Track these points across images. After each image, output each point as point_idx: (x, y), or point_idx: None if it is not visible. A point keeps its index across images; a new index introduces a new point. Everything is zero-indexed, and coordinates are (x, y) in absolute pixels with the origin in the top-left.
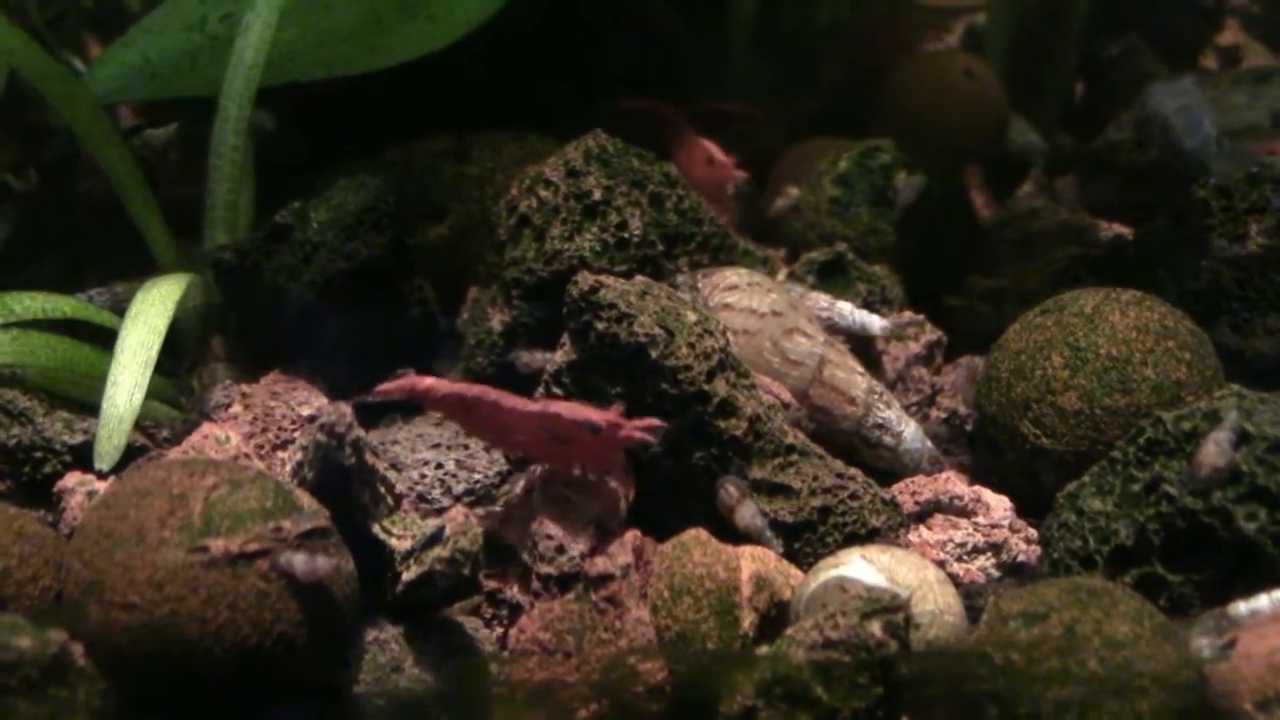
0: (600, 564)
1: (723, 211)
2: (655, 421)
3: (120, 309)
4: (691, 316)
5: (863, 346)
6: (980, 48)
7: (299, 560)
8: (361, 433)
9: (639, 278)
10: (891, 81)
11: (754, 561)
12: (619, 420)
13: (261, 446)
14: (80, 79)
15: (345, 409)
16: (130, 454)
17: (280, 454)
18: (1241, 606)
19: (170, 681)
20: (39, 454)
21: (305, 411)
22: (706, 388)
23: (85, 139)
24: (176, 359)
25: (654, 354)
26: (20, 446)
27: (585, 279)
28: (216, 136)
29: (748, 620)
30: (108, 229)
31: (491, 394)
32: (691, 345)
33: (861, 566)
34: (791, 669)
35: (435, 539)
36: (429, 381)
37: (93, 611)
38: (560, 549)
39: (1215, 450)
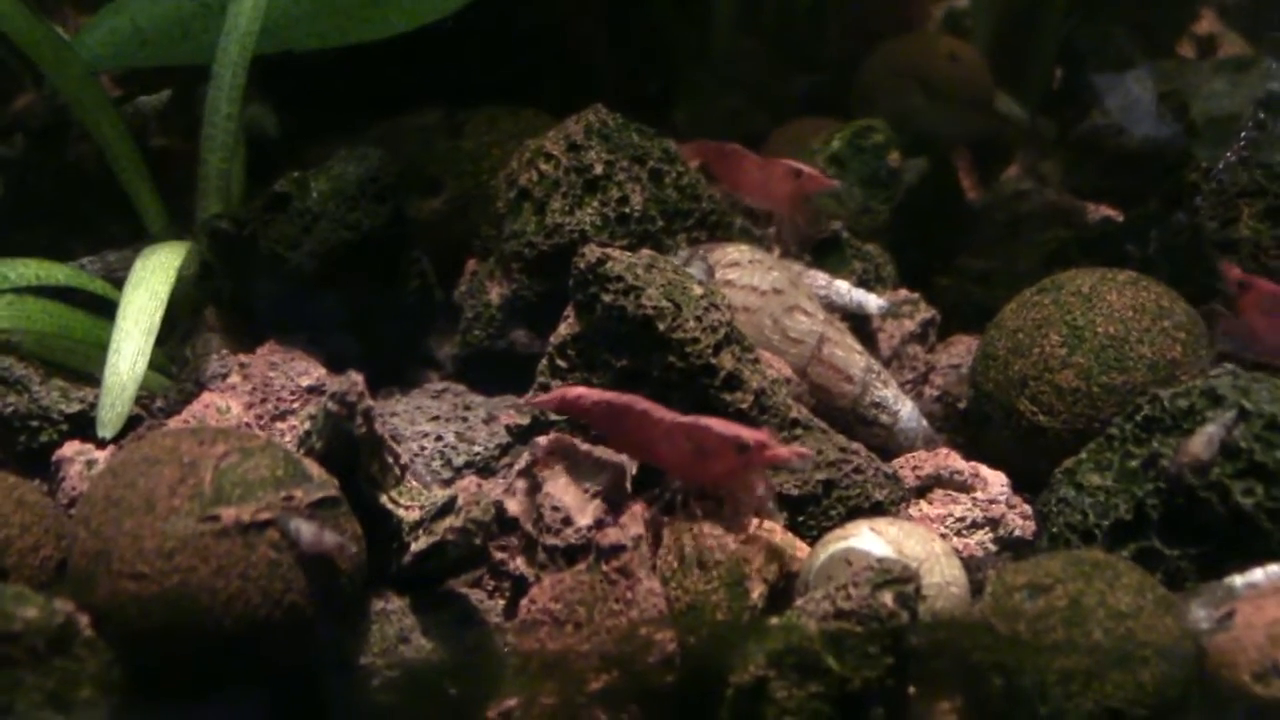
0: (612, 535)
1: (801, 218)
2: (805, 450)
3: (112, 277)
4: (698, 290)
5: (857, 324)
6: (961, 32)
7: (306, 529)
8: (372, 402)
9: (645, 251)
10: (873, 63)
11: (763, 533)
12: (768, 440)
13: (261, 417)
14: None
15: (357, 378)
16: (127, 424)
17: (279, 425)
18: (1237, 580)
19: (179, 652)
20: (35, 423)
21: (305, 382)
22: (713, 361)
23: (75, 105)
24: (169, 328)
25: (661, 326)
26: (16, 415)
27: (592, 251)
28: (210, 105)
29: (757, 591)
30: (97, 196)
31: (641, 403)
32: (698, 318)
33: (870, 539)
34: (803, 639)
35: (448, 509)
36: (579, 390)
37: (100, 581)
38: (567, 521)
39: (1203, 442)
